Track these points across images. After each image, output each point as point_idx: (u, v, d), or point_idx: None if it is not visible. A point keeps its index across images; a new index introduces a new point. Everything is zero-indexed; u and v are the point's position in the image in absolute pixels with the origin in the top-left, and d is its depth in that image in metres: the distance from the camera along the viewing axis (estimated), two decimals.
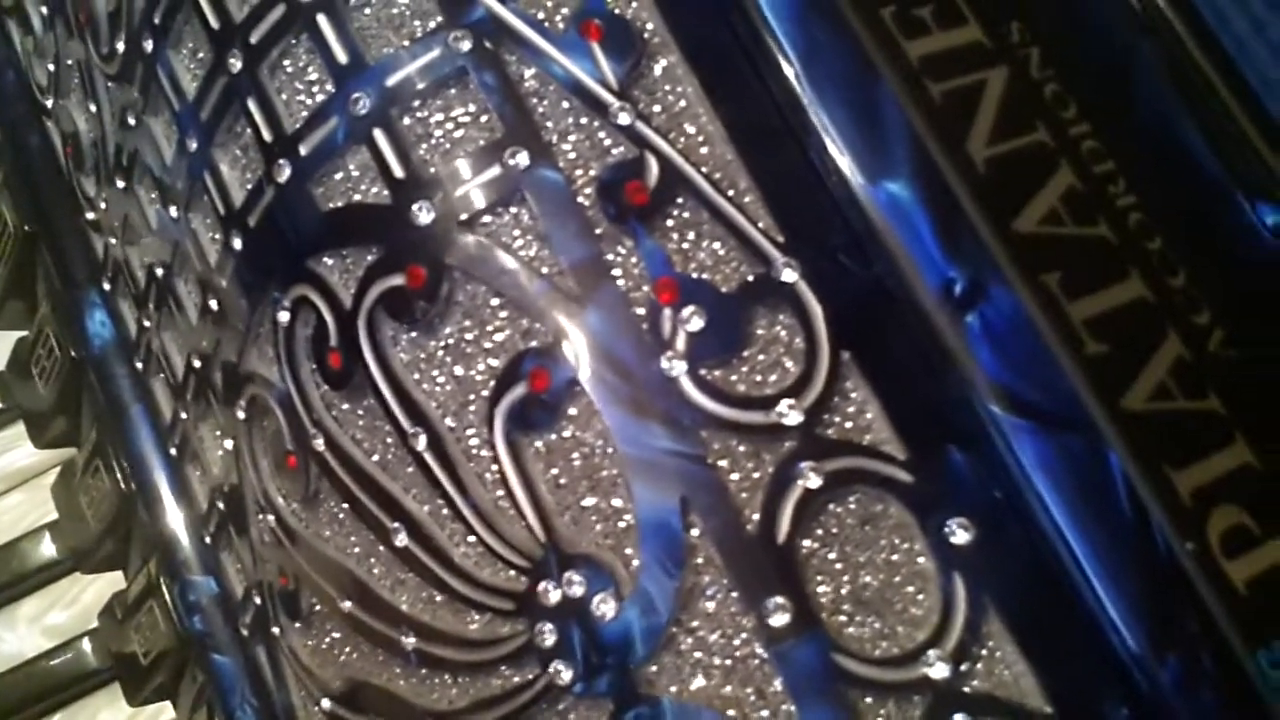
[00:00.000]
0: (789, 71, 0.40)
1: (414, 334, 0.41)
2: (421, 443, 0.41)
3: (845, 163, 0.40)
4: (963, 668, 0.37)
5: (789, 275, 0.39)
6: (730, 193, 0.40)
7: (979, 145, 0.41)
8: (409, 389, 0.41)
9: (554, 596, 0.38)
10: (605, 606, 0.38)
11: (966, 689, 0.37)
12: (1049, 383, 0.39)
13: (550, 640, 0.38)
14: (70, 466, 0.66)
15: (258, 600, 0.53)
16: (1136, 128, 0.45)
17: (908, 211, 0.39)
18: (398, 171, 0.41)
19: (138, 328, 0.57)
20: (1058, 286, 0.40)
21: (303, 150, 0.42)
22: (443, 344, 0.41)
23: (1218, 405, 0.39)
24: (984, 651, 0.37)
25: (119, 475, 0.60)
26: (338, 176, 0.42)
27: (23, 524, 0.74)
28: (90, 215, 0.59)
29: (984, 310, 0.39)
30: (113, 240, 0.57)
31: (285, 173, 0.43)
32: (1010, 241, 0.40)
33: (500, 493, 0.40)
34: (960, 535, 0.37)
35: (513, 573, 0.40)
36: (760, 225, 0.40)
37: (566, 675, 0.38)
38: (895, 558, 0.38)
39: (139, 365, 0.58)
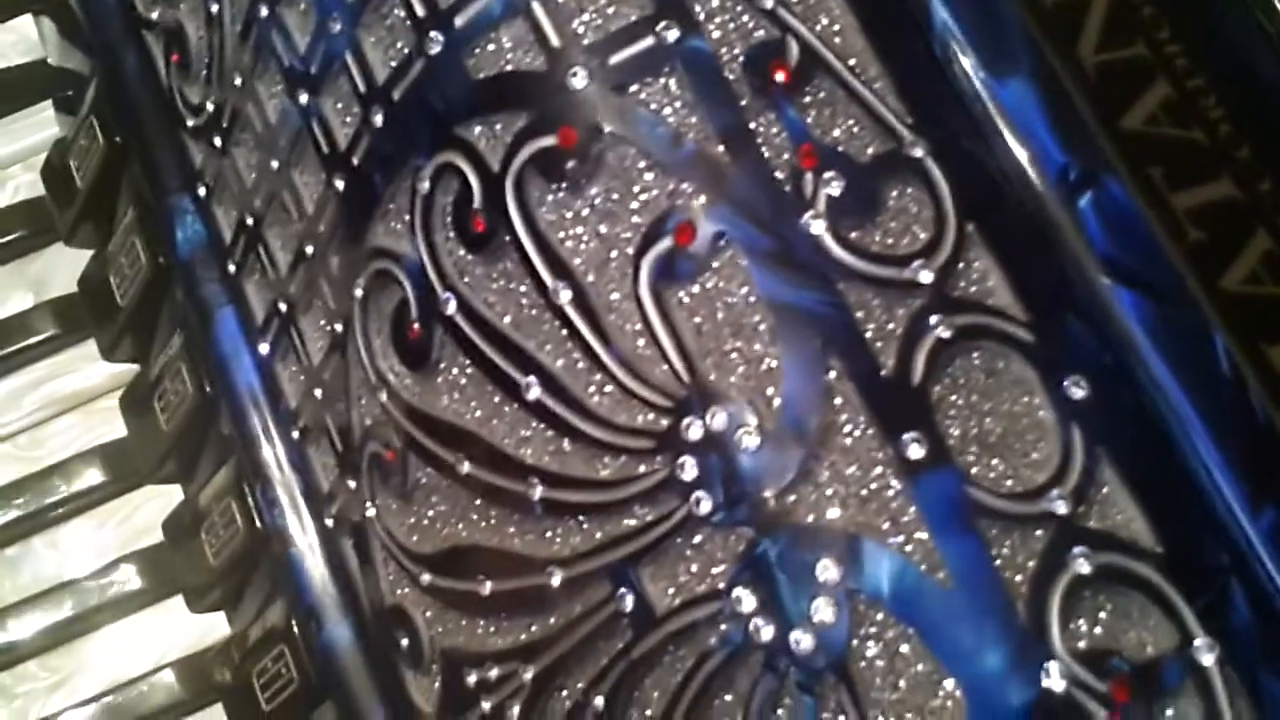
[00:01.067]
0: None
1: (560, 194, 0.44)
2: (565, 297, 0.43)
3: (968, 58, 0.43)
4: (1080, 508, 0.39)
5: (918, 151, 0.42)
6: (863, 77, 0.43)
7: (1088, 51, 0.45)
8: (553, 246, 0.44)
9: (697, 431, 0.41)
10: (748, 439, 0.40)
11: (1085, 525, 0.39)
12: (1154, 260, 0.42)
13: (692, 473, 0.41)
14: (143, 377, 0.67)
15: (351, 484, 0.54)
16: (1221, 49, 0.48)
17: (1026, 106, 0.43)
18: (554, 40, 0.43)
19: (237, 228, 0.59)
20: (1160, 179, 0.44)
21: (458, 22, 0.45)
22: (589, 203, 0.43)
23: None
24: (1099, 496, 0.40)
25: (201, 377, 0.62)
26: (490, 48, 0.45)
27: (74, 446, 0.74)
28: (191, 122, 0.61)
29: (1095, 195, 0.42)
30: (218, 141, 0.59)
31: (438, 45, 0.45)
32: (1118, 137, 0.43)
33: (642, 341, 0.42)
34: (1077, 391, 0.40)
35: (652, 415, 0.42)
36: (890, 107, 0.43)
37: (706, 505, 0.40)
38: (1016, 408, 0.40)
39: (232, 268, 0.60)
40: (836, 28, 0.44)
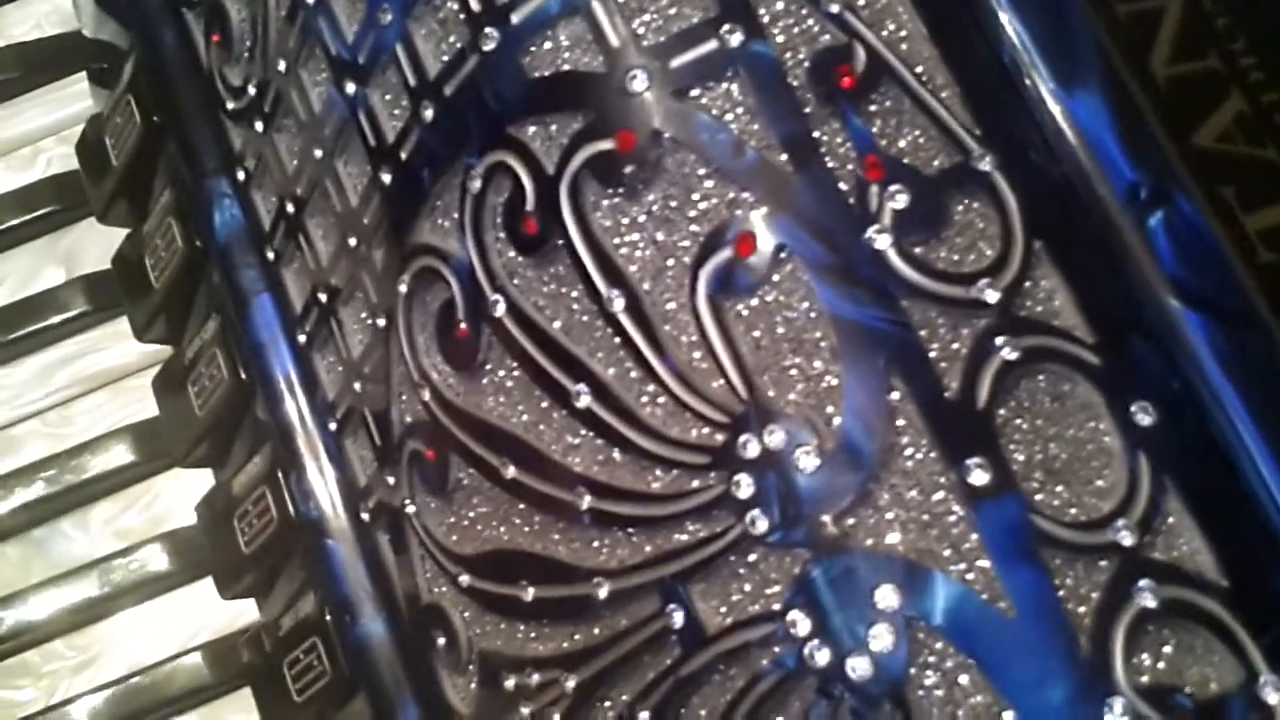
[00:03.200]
0: None
1: (616, 199, 0.43)
2: (619, 304, 0.42)
3: (1037, 69, 0.42)
4: (1146, 538, 0.38)
5: (985, 165, 0.41)
6: (930, 86, 0.42)
7: (1161, 64, 0.43)
8: (608, 252, 0.43)
9: (754, 449, 0.40)
10: (806, 459, 0.39)
11: (1150, 557, 0.38)
12: (1226, 282, 0.41)
13: (747, 491, 0.40)
14: (177, 359, 0.66)
15: (390, 480, 0.53)
16: None
17: (1096, 119, 0.41)
18: (613, 40, 0.42)
19: (277, 215, 0.58)
20: (1233, 198, 0.43)
21: (514, 19, 0.44)
22: (646, 210, 0.42)
23: None
24: (1164, 525, 0.39)
25: (236, 363, 0.61)
26: (547, 46, 0.44)
27: (103, 425, 0.74)
28: (231, 105, 0.60)
29: (1166, 214, 0.41)
30: (259, 125, 0.58)
31: (493, 41, 0.44)
32: (1190, 154, 0.42)
33: (698, 353, 0.41)
34: (1144, 418, 0.39)
35: (707, 429, 0.41)
36: (958, 118, 0.41)
37: (762, 525, 0.39)
38: (1082, 434, 0.40)
39: (270, 255, 0.59)
40: (903, 33, 0.42)
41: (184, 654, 0.69)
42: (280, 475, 0.59)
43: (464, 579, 0.50)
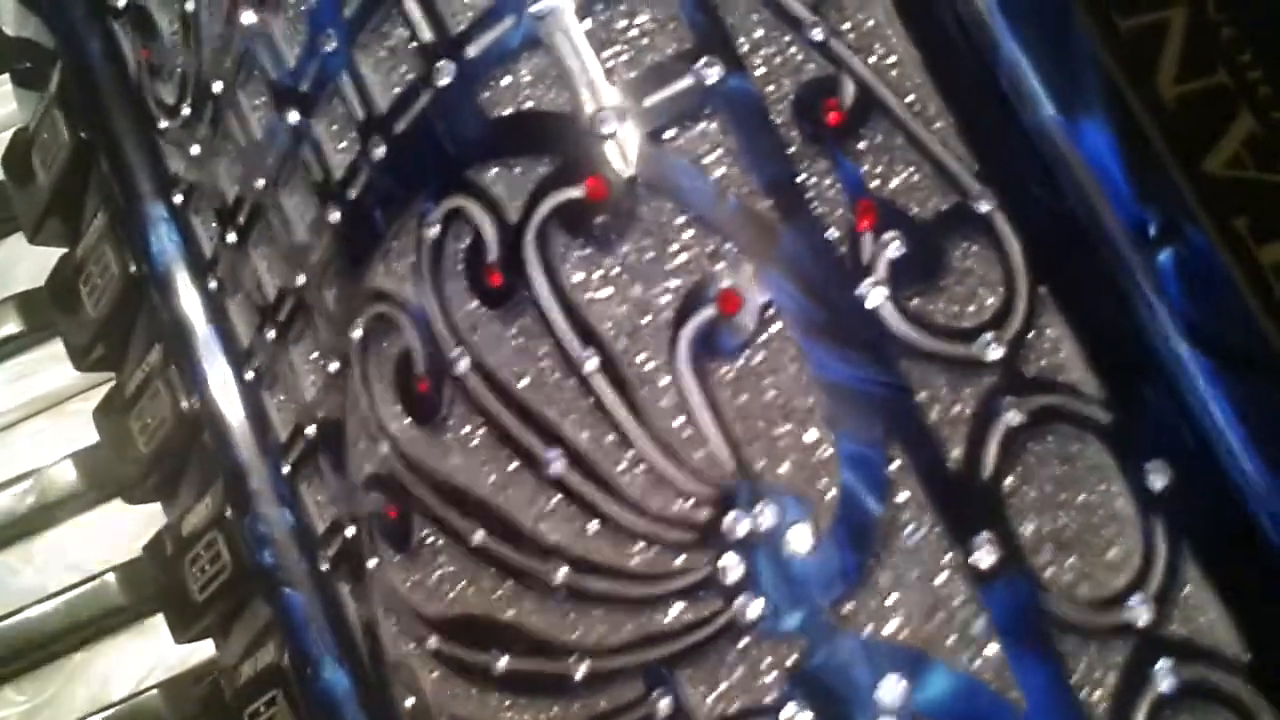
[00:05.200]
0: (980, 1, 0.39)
1: (587, 251, 0.39)
2: (592, 365, 0.39)
3: (1038, 95, 0.39)
4: (1163, 612, 0.36)
5: (985, 205, 0.38)
6: (922, 118, 0.39)
7: (1167, 83, 0.41)
8: (579, 308, 0.39)
9: (743, 527, 0.37)
10: (800, 539, 0.36)
11: (1168, 634, 0.36)
12: (1240, 324, 0.38)
13: (736, 574, 0.37)
14: (119, 390, 0.62)
15: (349, 533, 0.50)
16: None
17: (1101, 148, 0.39)
18: (580, 78, 0.39)
19: (217, 244, 0.54)
20: (1247, 230, 0.40)
21: (470, 52, 0.40)
22: (619, 262, 0.39)
23: None
24: (1181, 596, 0.36)
25: (182, 399, 0.57)
26: (507, 82, 0.40)
27: (45, 451, 0.70)
28: (164, 124, 0.56)
29: (1177, 250, 0.38)
30: (195, 150, 0.54)
31: (447, 76, 0.40)
32: (1201, 183, 0.39)
33: (680, 419, 0.38)
34: (1158, 480, 0.37)
35: (691, 503, 0.38)
36: (953, 152, 0.38)
37: (754, 611, 0.36)
38: (1093, 499, 0.37)
39: (213, 285, 0.55)
40: (892, 59, 0.39)
41: (141, 693, 0.66)
42: (232, 519, 0.56)
43: (432, 641, 0.47)
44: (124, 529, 0.69)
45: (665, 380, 0.38)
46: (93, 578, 0.68)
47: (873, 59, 0.39)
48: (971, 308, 0.38)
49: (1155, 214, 0.38)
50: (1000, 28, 0.39)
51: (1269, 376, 0.38)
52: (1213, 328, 0.38)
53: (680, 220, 0.38)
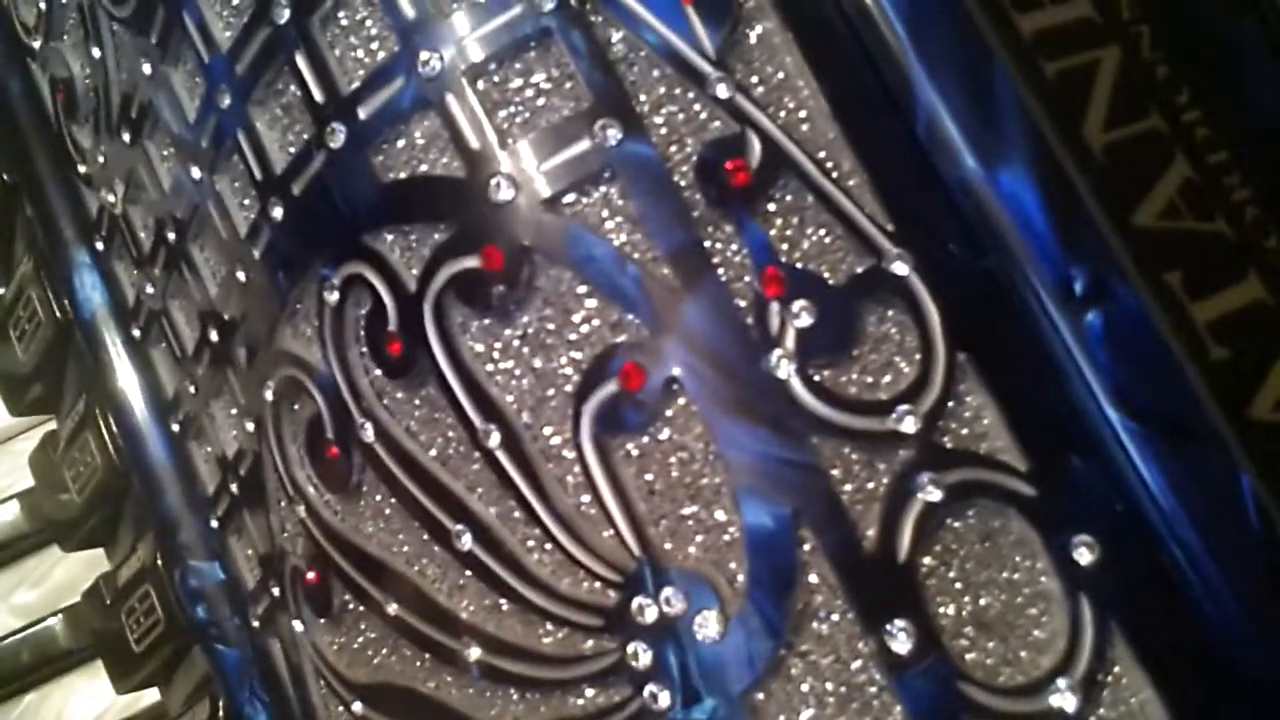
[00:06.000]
0: (895, 42, 0.37)
1: (487, 321, 0.38)
2: (494, 440, 0.37)
3: (957, 146, 0.37)
4: (1090, 697, 0.34)
5: (901, 268, 0.36)
6: (835, 175, 0.37)
7: (1095, 130, 0.39)
8: (480, 381, 0.38)
9: (650, 614, 0.35)
10: (707, 627, 0.35)
11: None
12: (1173, 388, 0.36)
13: (644, 661, 0.35)
14: (52, 436, 0.61)
15: (275, 591, 0.49)
16: (1248, 115, 0.42)
17: (1024, 201, 0.37)
18: (473, 142, 0.37)
19: (138, 293, 0.53)
20: (1180, 286, 0.38)
21: (361, 114, 0.38)
22: (520, 333, 0.37)
23: None
24: (1110, 679, 0.35)
25: (110, 449, 0.56)
26: (400, 144, 0.38)
27: None
28: (83, 169, 0.54)
29: (1106, 310, 0.36)
30: (111, 197, 0.52)
31: (340, 138, 0.39)
32: (1131, 237, 0.38)
33: (585, 498, 0.36)
34: (1085, 554, 0.35)
35: (598, 585, 0.36)
36: (867, 211, 0.36)
37: (664, 700, 0.35)
38: (1017, 576, 0.35)
39: (136, 333, 0.54)
40: (803, 114, 0.37)
41: None
42: (163, 573, 0.55)
43: (356, 707, 0.46)
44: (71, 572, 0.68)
45: (570, 456, 0.37)
46: (38, 622, 0.66)
47: (782, 114, 0.37)
48: (887, 378, 0.36)
49: (1082, 271, 0.36)
50: (917, 73, 0.37)
51: (1203, 445, 0.36)
52: (1144, 393, 0.36)
53: (582, 290, 0.37)
